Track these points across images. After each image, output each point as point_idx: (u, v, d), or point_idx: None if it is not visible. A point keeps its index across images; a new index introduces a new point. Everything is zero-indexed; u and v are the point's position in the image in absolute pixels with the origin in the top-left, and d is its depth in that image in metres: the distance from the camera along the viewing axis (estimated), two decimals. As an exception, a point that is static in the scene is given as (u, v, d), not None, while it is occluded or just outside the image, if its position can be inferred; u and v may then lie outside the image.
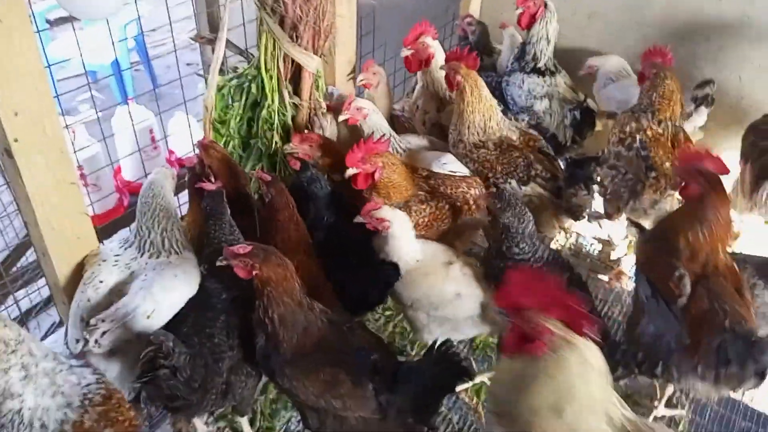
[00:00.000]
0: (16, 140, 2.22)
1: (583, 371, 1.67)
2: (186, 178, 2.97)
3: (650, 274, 2.63)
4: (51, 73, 3.14)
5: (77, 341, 2.45)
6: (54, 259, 2.49)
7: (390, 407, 2.25)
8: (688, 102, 3.58)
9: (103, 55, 5.70)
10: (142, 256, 2.58)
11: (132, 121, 4.00)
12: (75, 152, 3.42)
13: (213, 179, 2.74)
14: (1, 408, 1.89)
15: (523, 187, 3.28)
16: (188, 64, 6.52)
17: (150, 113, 5.09)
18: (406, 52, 3.55)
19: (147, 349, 2.17)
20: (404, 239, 2.71)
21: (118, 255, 2.59)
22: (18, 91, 2.17)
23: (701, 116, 3.57)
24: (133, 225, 2.71)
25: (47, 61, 2.97)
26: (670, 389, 2.89)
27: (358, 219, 2.66)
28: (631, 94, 3.71)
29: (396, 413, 2.27)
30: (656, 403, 2.92)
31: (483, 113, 3.27)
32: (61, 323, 2.87)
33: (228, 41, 3.05)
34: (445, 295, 2.70)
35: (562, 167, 3.51)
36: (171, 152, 5.29)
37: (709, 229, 2.48)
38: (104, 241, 2.79)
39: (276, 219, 2.81)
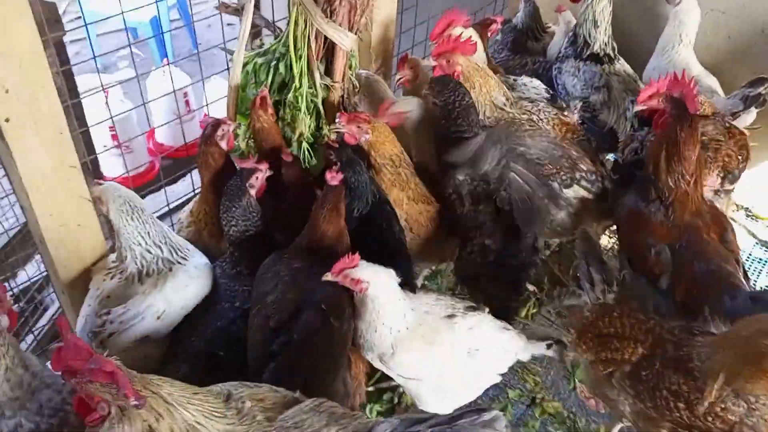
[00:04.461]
0: (7, 120, 1.91)
1: None
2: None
3: (628, 252, 2.52)
4: (87, 30, 2.89)
5: None
6: (52, 248, 2.20)
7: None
8: (737, 101, 3.12)
9: (143, 11, 5.35)
10: (143, 284, 2.27)
11: (170, 83, 3.66)
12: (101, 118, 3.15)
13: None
14: None
15: (565, 190, 2.84)
16: (229, 24, 6.14)
17: (185, 76, 4.77)
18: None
19: None
20: (389, 302, 2.10)
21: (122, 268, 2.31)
22: (9, 66, 1.85)
23: (750, 116, 3.14)
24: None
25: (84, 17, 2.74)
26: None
27: (327, 277, 2.05)
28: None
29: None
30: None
31: (498, 88, 2.90)
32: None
33: (255, 12, 2.65)
34: (457, 360, 2.22)
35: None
36: (206, 116, 4.98)
37: (680, 159, 2.41)
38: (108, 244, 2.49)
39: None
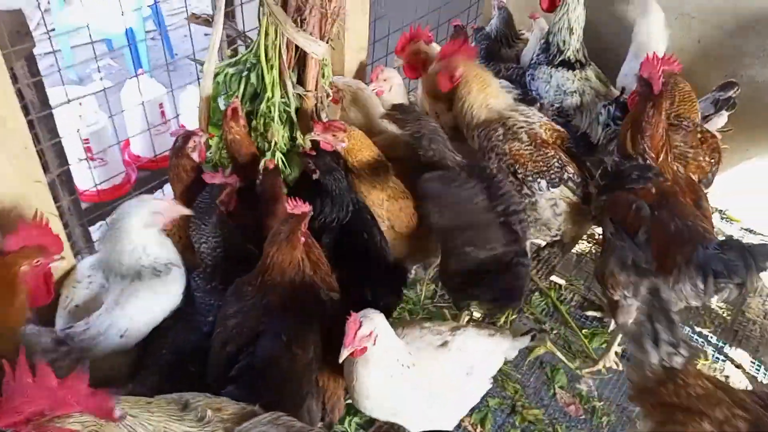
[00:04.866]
0: (-30, 136, 1.86)
1: None
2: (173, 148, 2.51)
3: (611, 213, 2.60)
4: (51, 42, 2.82)
5: None
6: (18, 264, 2.14)
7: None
8: (708, 105, 3.18)
9: (118, 22, 5.28)
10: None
11: (141, 95, 3.61)
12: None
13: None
14: None
15: (553, 189, 2.85)
16: (207, 35, 6.07)
17: (161, 87, 4.70)
18: (398, 62, 3.22)
19: None
20: (393, 351, 1.97)
21: (91, 276, 2.26)
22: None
23: (722, 119, 3.21)
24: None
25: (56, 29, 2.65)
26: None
27: (344, 354, 1.84)
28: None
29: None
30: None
31: (497, 95, 2.95)
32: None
33: (226, 22, 2.62)
34: (457, 385, 2.16)
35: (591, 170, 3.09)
36: (182, 126, 4.93)
37: (643, 136, 2.56)
38: (79, 260, 2.42)
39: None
